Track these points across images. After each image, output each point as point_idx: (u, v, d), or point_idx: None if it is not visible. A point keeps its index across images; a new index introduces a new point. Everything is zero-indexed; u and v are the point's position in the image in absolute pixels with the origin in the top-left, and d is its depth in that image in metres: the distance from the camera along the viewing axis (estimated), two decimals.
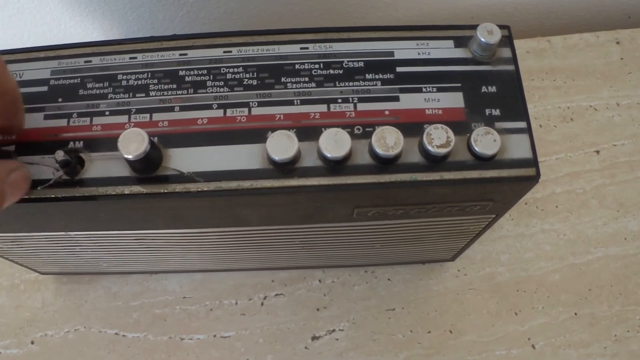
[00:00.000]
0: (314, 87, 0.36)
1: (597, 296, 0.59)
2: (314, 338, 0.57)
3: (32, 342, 0.57)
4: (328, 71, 0.36)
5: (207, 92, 0.36)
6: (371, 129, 0.35)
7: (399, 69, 0.37)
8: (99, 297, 0.59)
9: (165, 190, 0.34)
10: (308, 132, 0.35)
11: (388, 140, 0.33)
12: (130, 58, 0.37)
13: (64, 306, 0.59)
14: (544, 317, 0.58)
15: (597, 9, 0.75)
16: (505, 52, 0.37)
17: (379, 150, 0.33)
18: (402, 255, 0.54)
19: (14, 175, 0.31)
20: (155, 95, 0.36)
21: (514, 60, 0.37)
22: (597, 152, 0.65)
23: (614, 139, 0.66)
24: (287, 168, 0.34)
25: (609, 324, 0.58)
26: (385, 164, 0.34)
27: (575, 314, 0.58)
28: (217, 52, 0.37)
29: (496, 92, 0.36)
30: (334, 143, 0.33)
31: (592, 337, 0.57)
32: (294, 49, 0.37)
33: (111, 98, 0.36)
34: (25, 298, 0.59)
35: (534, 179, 0.35)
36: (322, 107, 0.35)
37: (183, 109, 0.35)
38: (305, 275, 0.59)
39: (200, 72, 0.36)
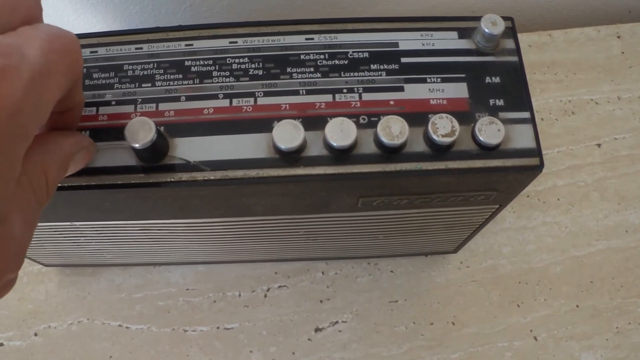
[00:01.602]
0: (319, 77, 0.36)
1: (599, 288, 0.59)
2: (317, 330, 0.57)
3: (36, 334, 0.57)
4: (333, 61, 0.37)
5: (213, 82, 0.36)
6: (376, 119, 0.35)
7: (403, 60, 0.37)
8: (103, 289, 0.59)
9: (172, 179, 0.34)
10: (314, 121, 0.35)
11: (393, 130, 0.33)
12: (136, 48, 0.37)
13: (67, 298, 0.59)
14: (546, 309, 0.58)
15: (597, 3, 0.75)
16: (509, 44, 0.38)
17: (385, 139, 0.33)
18: (405, 247, 0.54)
19: (81, 154, 0.31)
20: (161, 85, 0.36)
21: (517, 51, 0.37)
22: (599, 145, 0.65)
23: (615, 133, 0.66)
24: (293, 157, 0.34)
25: (610, 316, 0.58)
26: (390, 153, 0.34)
27: (577, 306, 0.58)
28: (223, 43, 0.37)
29: (500, 83, 0.36)
30: (340, 132, 0.33)
31: (594, 329, 0.58)
32: (300, 39, 0.37)
33: (117, 88, 0.36)
34: (29, 290, 0.59)
35: (538, 169, 0.35)
36: (328, 97, 0.36)
37: (189, 98, 0.36)
38: (308, 267, 0.60)
39: (206, 62, 0.37)
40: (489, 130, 0.34)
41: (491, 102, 0.36)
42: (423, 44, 0.38)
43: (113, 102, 0.36)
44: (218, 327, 0.58)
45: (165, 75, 0.36)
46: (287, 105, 0.35)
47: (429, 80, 0.36)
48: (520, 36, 0.68)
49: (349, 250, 0.54)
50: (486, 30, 0.36)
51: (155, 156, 0.34)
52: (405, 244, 0.53)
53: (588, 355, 0.57)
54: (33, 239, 0.46)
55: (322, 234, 0.47)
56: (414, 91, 0.36)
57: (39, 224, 0.43)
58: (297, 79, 0.36)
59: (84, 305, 0.58)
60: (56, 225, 0.43)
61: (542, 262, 0.60)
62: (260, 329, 0.57)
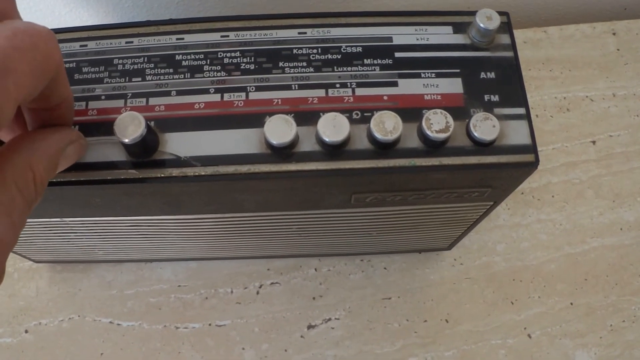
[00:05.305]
0: (312, 72, 0.36)
1: (593, 286, 0.59)
2: (309, 327, 0.57)
3: (26, 331, 0.57)
4: (326, 56, 0.36)
5: (204, 77, 0.35)
6: (369, 114, 0.34)
7: (397, 54, 0.36)
8: (94, 285, 0.59)
9: (162, 175, 0.33)
10: (306, 116, 0.34)
11: (387, 125, 0.33)
12: (127, 42, 0.37)
13: (58, 295, 0.58)
14: (540, 306, 0.58)
15: (593, 0, 0.75)
16: (504, 39, 0.37)
17: (378, 135, 0.33)
18: (398, 244, 0.54)
19: (70, 148, 0.30)
20: (152, 80, 0.35)
21: (512, 46, 0.37)
22: (594, 142, 0.65)
23: (610, 130, 0.66)
24: (285, 152, 0.34)
25: (604, 314, 0.58)
26: (383, 148, 0.34)
27: (571, 303, 0.58)
28: (215, 37, 0.37)
29: (495, 78, 0.36)
30: (332, 127, 0.33)
31: (588, 327, 0.57)
32: (292, 33, 0.37)
33: (107, 82, 0.35)
34: (19, 287, 0.58)
35: (533, 165, 0.34)
36: (320, 92, 0.35)
37: (180, 93, 0.35)
38: (301, 264, 0.59)
39: (197, 57, 0.36)
40: (484, 126, 0.34)
41: (486, 97, 0.35)
42: (417, 39, 0.37)
43: (103, 97, 0.35)
44: (210, 324, 0.57)
45: (156, 70, 0.36)
46: (279, 100, 0.35)
47: (423, 75, 0.36)
48: (515, 32, 0.67)
49: (342, 246, 0.54)
50: (481, 25, 0.36)
51: (145, 151, 0.33)
52: (398, 241, 0.52)
53: (582, 353, 0.56)
54: (23, 235, 0.46)
55: (315, 231, 0.47)
56: (407, 86, 0.36)
57: (28, 220, 0.42)
58: (289, 73, 0.36)
59: (75, 302, 0.58)
60: (46, 222, 0.43)
61: (537, 259, 0.60)
62: (253, 326, 0.57)
